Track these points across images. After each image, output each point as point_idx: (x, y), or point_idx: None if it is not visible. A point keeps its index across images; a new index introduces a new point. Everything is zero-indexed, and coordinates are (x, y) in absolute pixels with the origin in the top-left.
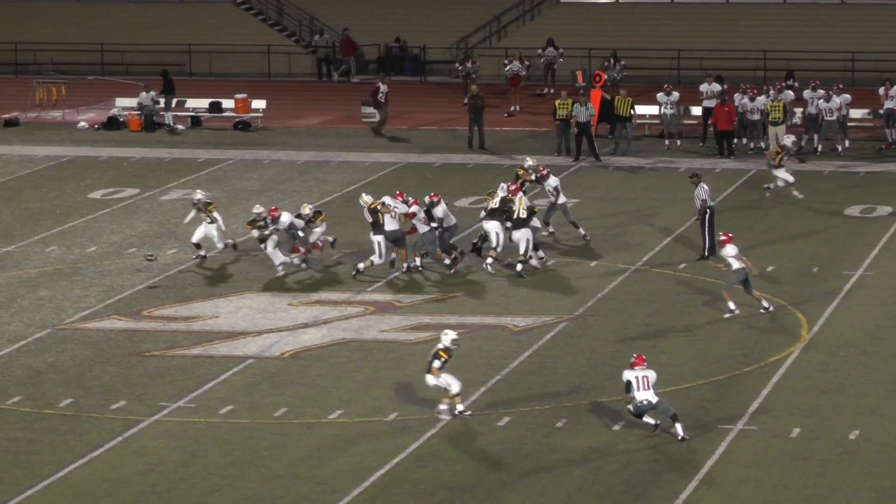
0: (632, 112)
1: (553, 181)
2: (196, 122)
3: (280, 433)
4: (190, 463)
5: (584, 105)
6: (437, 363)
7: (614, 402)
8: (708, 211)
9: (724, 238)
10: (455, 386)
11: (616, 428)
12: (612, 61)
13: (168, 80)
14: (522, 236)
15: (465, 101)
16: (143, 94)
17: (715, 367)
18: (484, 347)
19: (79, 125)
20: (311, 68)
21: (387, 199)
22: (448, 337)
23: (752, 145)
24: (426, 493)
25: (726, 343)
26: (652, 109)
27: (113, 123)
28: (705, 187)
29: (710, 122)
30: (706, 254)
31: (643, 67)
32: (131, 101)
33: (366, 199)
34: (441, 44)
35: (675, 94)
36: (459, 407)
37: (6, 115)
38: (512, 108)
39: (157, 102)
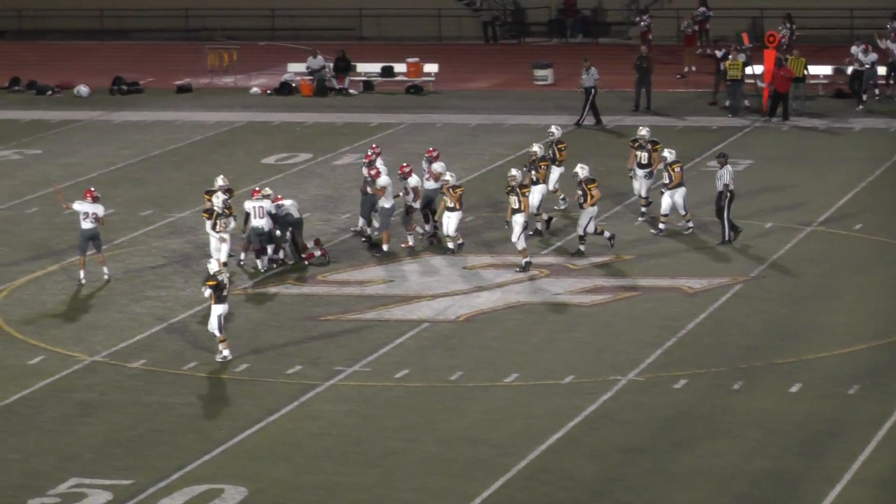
0: (805, 73)
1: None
2: (368, 86)
3: (455, 396)
4: (364, 426)
5: (588, 70)
6: (206, 292)
7: (790, 363)
8: (729, 195)
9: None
10: (213, 323)
11: (792, 390)
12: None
13: (345, 59)
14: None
15: (637, 61)
16: (313, 58)
17: (890, 327)
18: (658, 309)
19: (251, 90)
20: (480, 31)
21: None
22: (211, 266)
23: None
24: (601, 455)
25: None
26: (825, 69)
27: (285, 88)
28: (730, 169)
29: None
30: (727, 238)
31: (816, 28)
32: (303, 67)
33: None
34: (612, 5)
35: (873, 55)
36: (225, 353)
37: (178, 82)
38: (685, 70)
39: (327, 67)
